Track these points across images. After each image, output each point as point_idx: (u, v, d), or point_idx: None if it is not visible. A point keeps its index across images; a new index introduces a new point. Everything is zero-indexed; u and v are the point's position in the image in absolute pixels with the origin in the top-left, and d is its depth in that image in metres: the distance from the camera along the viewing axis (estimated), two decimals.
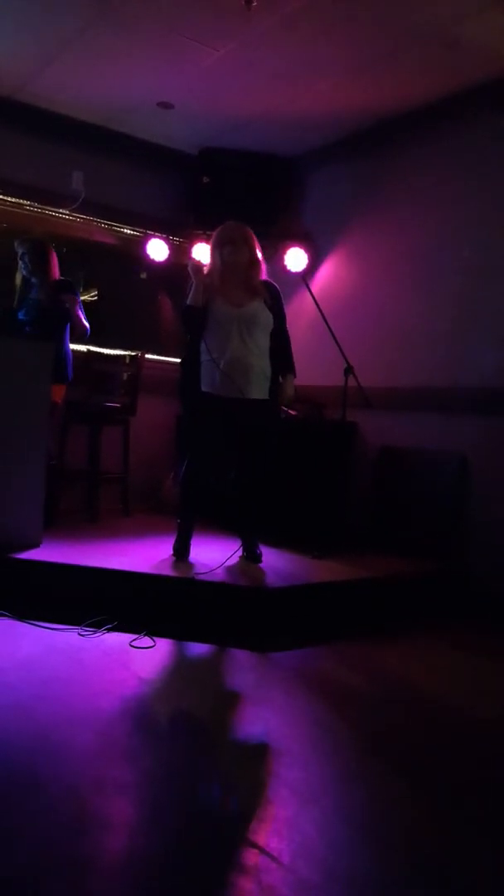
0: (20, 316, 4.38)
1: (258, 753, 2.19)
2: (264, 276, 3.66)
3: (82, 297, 5.42)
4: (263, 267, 3.67)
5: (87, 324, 4.39)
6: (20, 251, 4.38)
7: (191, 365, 3.73)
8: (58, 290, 4.36)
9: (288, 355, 3.73)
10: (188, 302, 3.57)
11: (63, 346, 4.40)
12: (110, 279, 5.64)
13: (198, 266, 3.55)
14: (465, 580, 4.09)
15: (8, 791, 1.89)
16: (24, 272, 4.40)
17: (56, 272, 4.43)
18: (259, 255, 3.63)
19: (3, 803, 1.83)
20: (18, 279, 4.48)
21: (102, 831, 1.76)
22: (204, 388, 3.61)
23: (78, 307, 4.40)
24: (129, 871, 1.61)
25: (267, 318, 3.60)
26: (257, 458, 3.72)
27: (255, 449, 3.70)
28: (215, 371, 3.54)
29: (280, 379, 3.71)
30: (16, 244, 4.42)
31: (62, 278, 4.46)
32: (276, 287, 3.69)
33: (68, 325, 4.43)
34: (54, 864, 1.61)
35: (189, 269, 3.57)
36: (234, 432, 3.67)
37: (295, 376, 3.75)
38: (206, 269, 3.60)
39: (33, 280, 4.39)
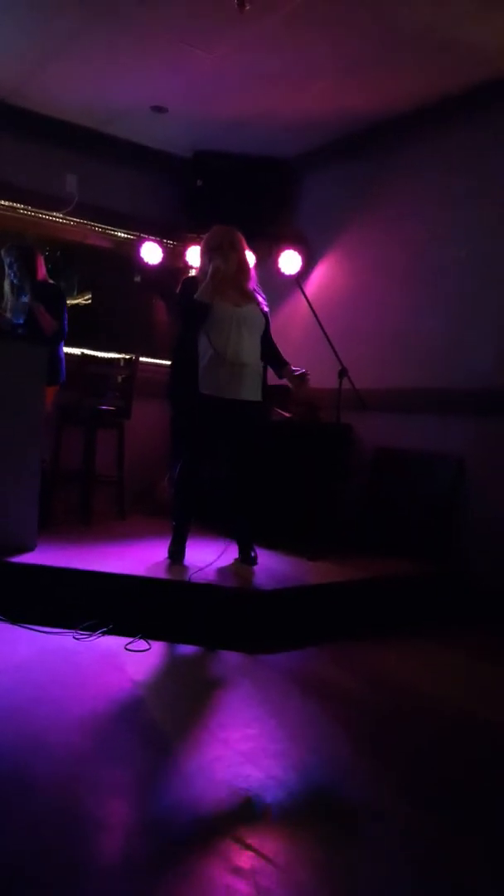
0: (14, 321, 4.39)
1: (253, 755, 2.18)
2: (253, 283, 3.71)
3: (76, 301, 5.43)
4: (252, 273, 3.72)
5: (54, 322, 4.33)
6: (7, 260, 4.39)
7: (185, 364, 3.72)
8: (45, 292, 4.35)
9: (280, 353, 3.80)
10: (196, 296, 3.54)
11: (57, 348, 4.40)
12: (104, 282, 5.64)
13: (219, 267, 3.54)
14: (462, 582, 4.09)
15: (4, 792, 1.89)
16: (14, 280, 4.41)
17: (42, 274, 4.44)
18: (247, 258, 3.67)
19: None
20: (7, 286, 4.49)
21: (97, 833, 1.75)
22: (204, 391, 3.60)
23: (62, 308, 4.41)
24: (123, 872, 1.61)
25: (261, 320, 3.65)
26: (251, 460, 3.72)
27: (249, 450, 3.71)
28: (215, 372, 3.54)
29: (288, 371, 3.74)
30: (2, 253, 4.42)
31: (46, 281, 4.46)
32: (262, 293, 3.76)
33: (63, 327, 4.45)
34: (49, 865, 1.60)
35: (212, 267, 3.55)
36: (229, 433, 3.68)
37: None
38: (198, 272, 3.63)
39: (23, 286, 4.39)
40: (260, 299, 3.69)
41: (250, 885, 1.57)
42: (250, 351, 3.60)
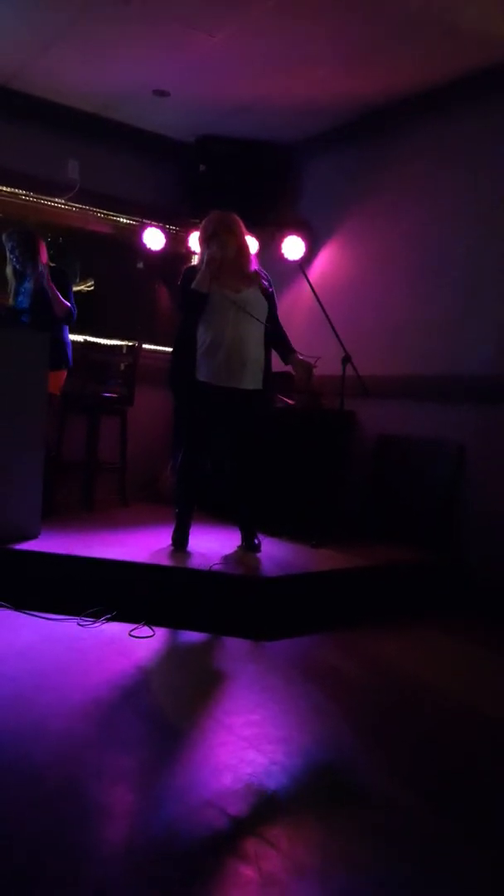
0: (16, 306, 4.38)
1: (257, 741, 2.20)
2: (255, 264, 3.67)
3: (79, 288, 5.41)
4: (253, 255, 3.69)
5: (67, 304, 4.33)
6: (9, 245, 4.37)
7: (184, 352, 3.71)
8: (52, 277, 4.34)
9: (287, 338, 3.75)
10: (193, 286, 3.54)
11: (62, 333, 4.39)
12: (107, 269, 5.61)
13: (215, 255, 3.52)
14: (462, 569, 4.10)
15: (7, 780, 1.90)
16: (16, 265, 4.39)
17: (45, 259, 4.43)
18: (247, 241, 3.64)
19: (2, 792, 1.83)
20: (9, 272, 4.46)
21: (100, 819, 1.77)
22: (200, 378, 3.59)
23: (68, 291, 4.39)
24: (126, 858, 1.62)
25: (263, 304, 3.62)
26: (252, 448, 3.72)
27: (250, 439, 3.70)
28: (212, 360, 3.53)
29: (294, 359, 3.70)
30: (4, 237, 4.40)
31: (52, 265, 4.45)
32: (266, 274, 3.72)
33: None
34: (53, 852, 1.61)
35: (207, 255, 3.53)
36: (229, 422, 3.67)
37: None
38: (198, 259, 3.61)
39: (26, 270, 4.38)
40: (264, 282, 3.66)
41: (254, 870, 1.58)
42: (251, 338, 3.57)
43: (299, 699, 2.59)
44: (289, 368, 3.88)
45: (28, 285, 4.36)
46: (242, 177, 5.25)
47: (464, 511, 4.21)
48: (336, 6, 3.64)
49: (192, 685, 2.66)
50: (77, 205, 5.27)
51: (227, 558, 3.60)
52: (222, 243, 3.52)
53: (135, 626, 3.11)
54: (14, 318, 4.30)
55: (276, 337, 3.70)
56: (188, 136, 5.39)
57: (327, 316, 4.25)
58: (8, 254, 4.41)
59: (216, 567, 3.41)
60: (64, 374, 4.46)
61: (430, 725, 2.47)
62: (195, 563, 3.49)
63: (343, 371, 4.14)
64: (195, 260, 3.87)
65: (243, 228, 3.65)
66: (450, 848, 1.75)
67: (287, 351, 3.73)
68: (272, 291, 3.71)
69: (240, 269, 3.59)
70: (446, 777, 2.12)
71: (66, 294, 4.37)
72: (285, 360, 3.76)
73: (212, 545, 3.74)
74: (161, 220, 5.54)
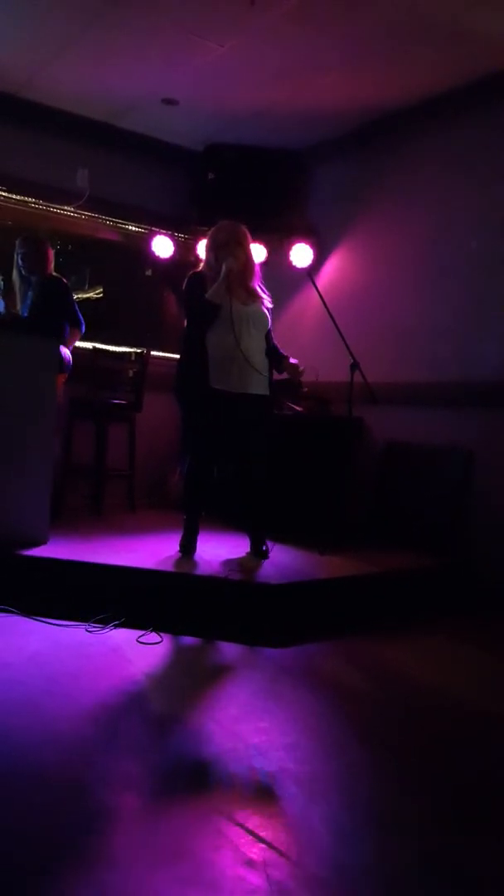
0: (22, 314, 4.40)
1: (265, 748, 2.19)
2: (258, 280, 3.72)
3: (88, 295, 5.43)
4: (258, 270, 3.74)
5: (72, 342, 4.38)
6: (21, 252, 4.39)
7: (193, 361, 3.73)
8: (50, 287, 4.36)
9: (279, 350, 3.84)
10: (208, 296, 3.54)
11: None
12: (115, 276, 5.64)
13: (233, 267, 3.54)
14: (471, 575, 4.08)
15: (16, 784, 1.90)
16: (24, 271, 4.41)
17: (51, 268, 4.45)
18: (253, 255, 3.69)
19: (11, 797, 1.84)
20: (15, 276, 4.48)
21: (107, 823, 1.76)
22: (217, 386, 3.60)
23: (68, 301, 4.42)
24: (133, 862, 1.61)
25: (266, 318, 3.69)
26: (262, 453, 3.73)
27: (257, 443, 3.72)
28: (229, 369, 3.55)
29: (287, 364, 3.79)
30: (17, 244, 4.42)
31: (55, 275, 4.46)
32: (267, 292, 3.77)
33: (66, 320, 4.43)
34: (61, 856, 1.61)
35: (226, 267, 3.54)
36: (243, 427, 3.68)
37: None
38: (202, 267, 3.64)
39: (32, 278, 4.40)
40: (265, 297, 3.71)
41: (262, 878, 1.57)
42: (258, 348, 3.63)
43: (308, 706, 2.58)
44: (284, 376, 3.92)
45: (33, 293, 4.38)
46: (251, 184, 5.27)
47: (472, 517, 4.21)
48: (343, 13, 3.66)
49: (200, 692, 2.65)
50: (86, 213, 5.31)
51: (236, 565, 3.60)
52: (235, 255, 3.54)
53: (143, 632, 3.11)
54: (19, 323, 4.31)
55: (271, 351, 3.77)
56: (197, 144, 5.42)
57: (335, 323, 4.25)
58: (18, 260, 4.43)
59: (224, 574, 3.41)
60: (62, 379, 4.45)
61: (439, 731, 2.46)
62: (203, 569, 3.48)
63: (351, 378, 4.15)
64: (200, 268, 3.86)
65: (251, 241, 3.70)
66: (467, 851, 1.74)
67: (279, 358, 3.81)
68: (271, 307, 3.76)
69: (245, 282, 3.64)
70: (457, 785, 2.10)
71: (64, 305, 4.37)
72: (279, 368, 3.83)
73: (220, 551, 3.74)
74: (170, 227, 5.57)
